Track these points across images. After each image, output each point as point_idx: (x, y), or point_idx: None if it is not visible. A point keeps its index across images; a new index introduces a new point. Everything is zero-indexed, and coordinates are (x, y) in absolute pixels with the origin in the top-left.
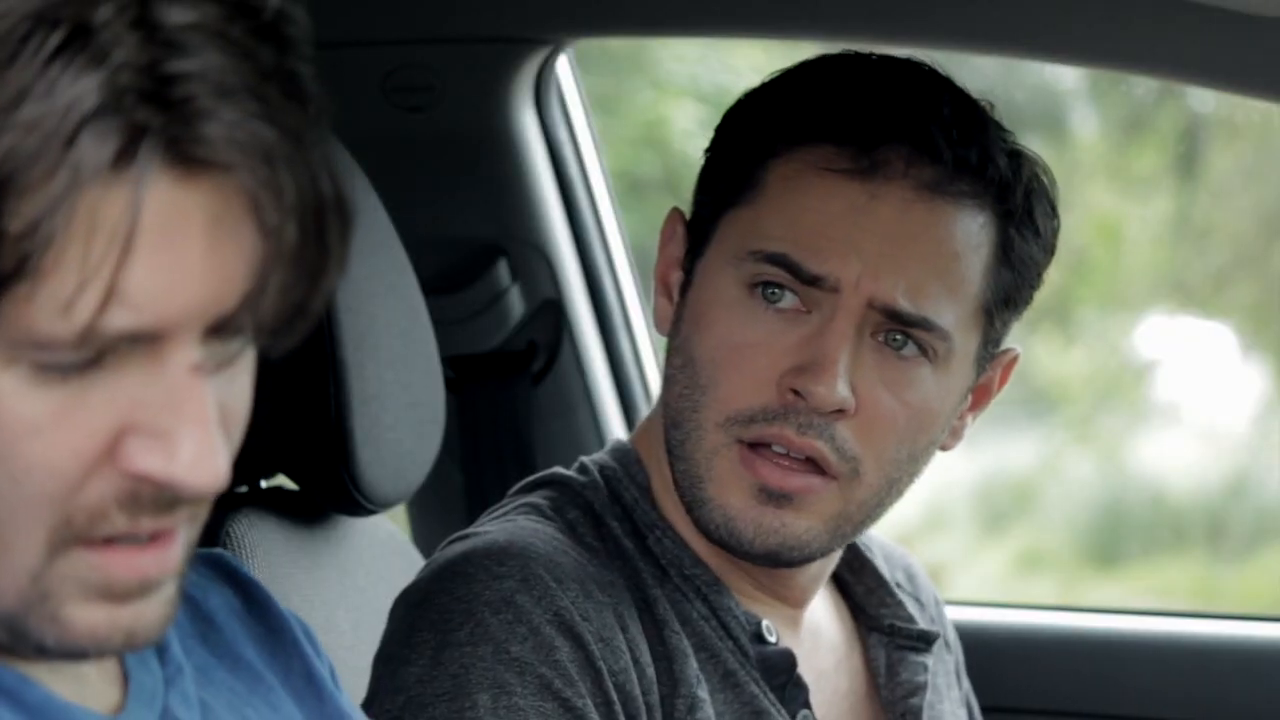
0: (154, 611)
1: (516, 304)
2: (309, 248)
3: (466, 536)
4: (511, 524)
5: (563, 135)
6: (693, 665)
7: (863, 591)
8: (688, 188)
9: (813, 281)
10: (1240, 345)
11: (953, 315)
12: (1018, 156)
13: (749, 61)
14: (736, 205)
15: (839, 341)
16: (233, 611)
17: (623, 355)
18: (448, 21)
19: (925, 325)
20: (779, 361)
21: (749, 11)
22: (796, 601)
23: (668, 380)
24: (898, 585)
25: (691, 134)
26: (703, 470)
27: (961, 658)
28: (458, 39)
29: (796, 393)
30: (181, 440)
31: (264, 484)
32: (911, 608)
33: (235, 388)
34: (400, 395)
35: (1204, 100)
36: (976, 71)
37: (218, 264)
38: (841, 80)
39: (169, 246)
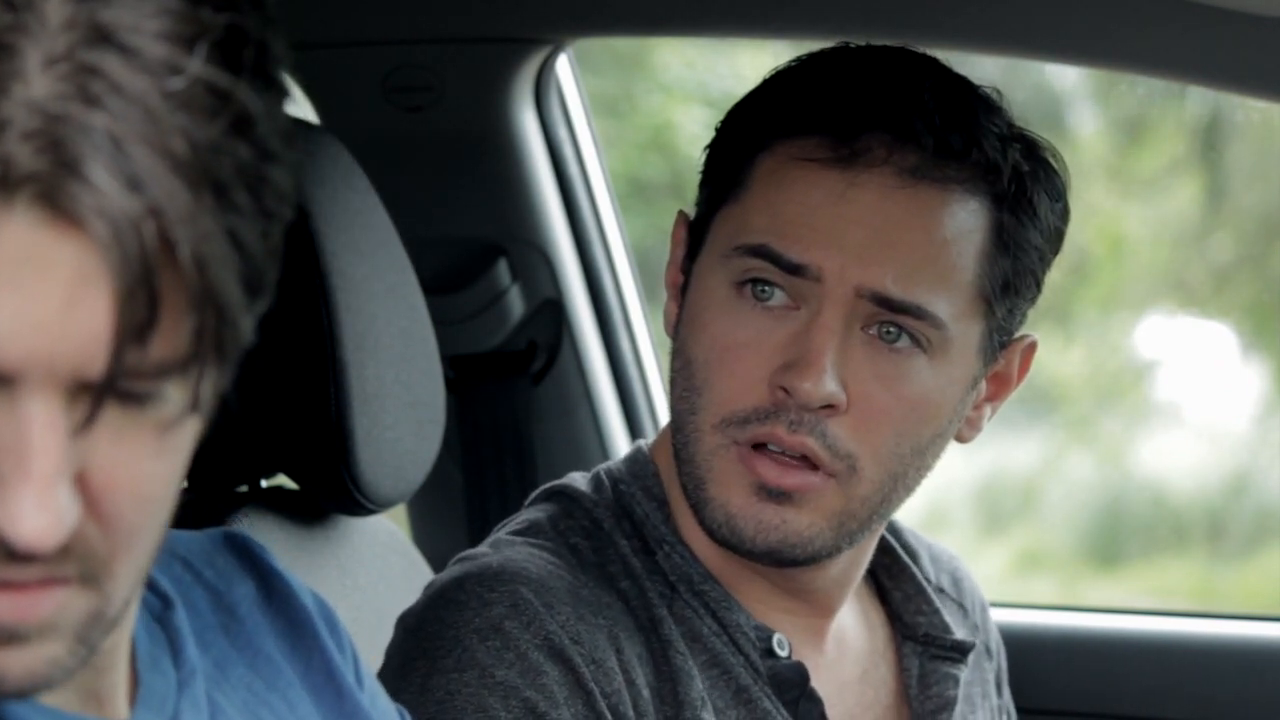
0: (24, 664)
1: (516, 304)
2: (201, 312)
3: (465, 559)
4: (510, 547)
5: (563, 135)
6: (697, 686)
7: (900, 598)
8: (694, 192)
9: (795, 271)
10: (1240, 345)
11: (947, 303)
12: (1012, 140)
13: (756, 67)
14: (726, 202)
15: (825, 335)
16: (255, 603)
17: (623, 355)
18: (448, 21)
19: (917, 313)
20: (769, 360)
21: (749, 11)
22: (822, 610)
23: (671, 383)
24: (940, 590)
25: (699, 139)
26: (704, 471)
27: (1004, 665)
28: (458, 39)
29: (785, 390)
30: (14, 491)
31: (264, 484)
32: (953, 614)
33: (132, 456)
34: (400, 395)
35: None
36: (976, 71)
37: (80, 321)
38: (825, 72)
39: (21, 288)
